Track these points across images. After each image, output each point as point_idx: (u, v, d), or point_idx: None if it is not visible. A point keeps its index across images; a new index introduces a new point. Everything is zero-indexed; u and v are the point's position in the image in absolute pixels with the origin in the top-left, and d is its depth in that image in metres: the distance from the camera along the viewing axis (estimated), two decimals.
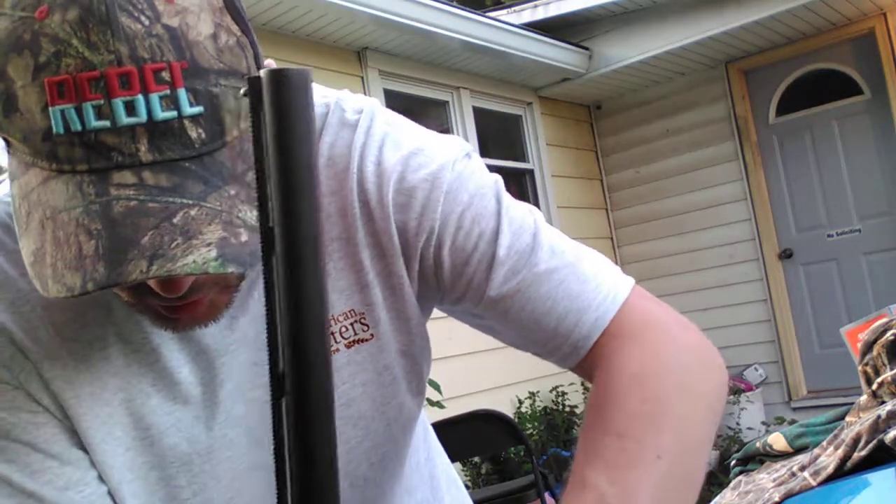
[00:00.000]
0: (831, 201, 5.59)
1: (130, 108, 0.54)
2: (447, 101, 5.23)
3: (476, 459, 4.45)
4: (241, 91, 0.55)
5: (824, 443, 1.54)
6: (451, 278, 0.75)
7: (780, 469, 1.61)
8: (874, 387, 1.58)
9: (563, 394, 4.90)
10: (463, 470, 4.45)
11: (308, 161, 0.32)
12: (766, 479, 1.61)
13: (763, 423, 5.30)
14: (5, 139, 0.59)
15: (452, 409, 3.42)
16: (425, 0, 4.50)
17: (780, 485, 1.52)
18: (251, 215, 0.57)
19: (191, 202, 0.55)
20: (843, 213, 5.56)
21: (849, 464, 1.41)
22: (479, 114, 5.40)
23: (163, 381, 0.73)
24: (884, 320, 1.66)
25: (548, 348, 0.77)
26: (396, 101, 4.82)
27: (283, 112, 0.31)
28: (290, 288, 0.31)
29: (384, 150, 0.73)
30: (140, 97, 0.54)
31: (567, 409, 4.88)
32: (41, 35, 0.54)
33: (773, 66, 5.72)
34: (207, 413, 0.74)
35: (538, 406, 4.80)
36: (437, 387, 3.59)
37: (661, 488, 0.64)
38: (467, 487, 4.31)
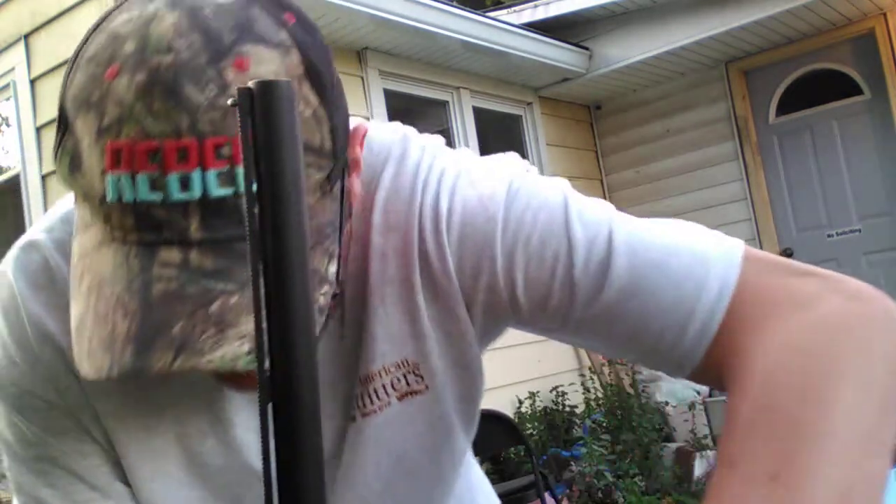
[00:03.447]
0: (831, 201, 5.59)
1: (185, 184, 0.51)
2: (447, 101, 5.23)
3: (476, 459, 4.44)
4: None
5: None
6: (531, 312, 0.69)
7: None
8: None
9: (564, 394, 4.89)
10: None
11: (294, 169, 0.32)
12: None
13: None
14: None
15: None
16: (425, 0, 4.50)
17: None
18: None
19: (233, 289, 0.52)
20: (843, 213, 5.55)
21: None
22: (479, 114, 5.39)
23: (220, 424, 0.70)
24: None
25: (649, 363, 0.69)
26: (396, 101, 4.82)
27: (270, 122, 0.32)
28: (277, 294, 0.32)
29: (443, 186, 0.69)
30: (196, 173, 0.51)
31: (567, 409, 4.87)
32: (108, 96, 0.52)
33: (773, 66, 5.72)
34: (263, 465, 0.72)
35: (538, 406, 4.79)
36: None
37: (843, 471, 0.53)
38: None
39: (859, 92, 5.48)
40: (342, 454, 0.73)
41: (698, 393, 5.31)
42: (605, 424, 4.79)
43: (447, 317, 0.70)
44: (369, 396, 0.71)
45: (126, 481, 0.71)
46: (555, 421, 4.77)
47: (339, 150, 0.57)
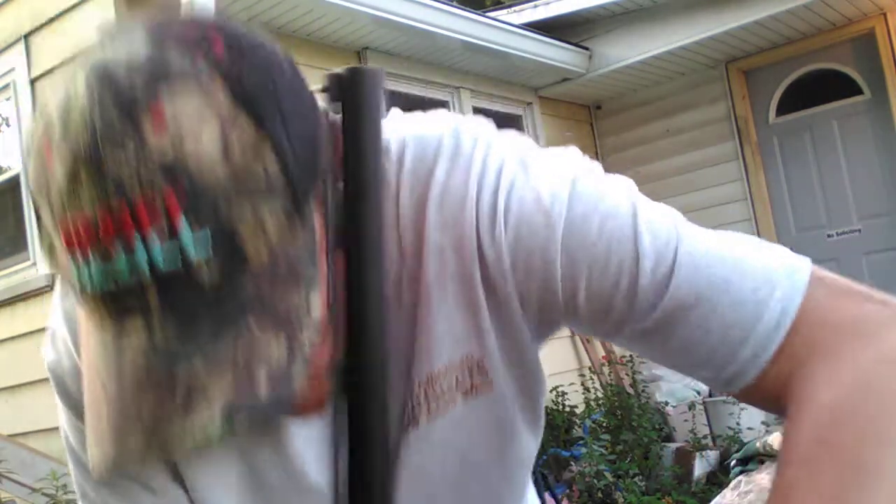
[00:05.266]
0: (831, 201, 5.59)
1: (129, 251, 0.51)
2: (447, 101, 5.23)
3: None
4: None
5: None
6: (589, 319, 0.67)
7: None
8: None
9: (564, 394, 4.89)
10: None
11: (374, 162, 0.32)
12: (766, 479, 1.61)
13: (763, 423, 5.29)
14: None
15: None
16: (425, 0, 4.50)
17: None
18: (277, 348, 0.53)
19: (195, 351, 0.53)
20: (843, 213, 5.55)
21: None
22: (479, 114, 5.36)
23: (278, 435, 0.71)
24: None
25: (700, 377, 0.68)
26: (396, 101, 4.79)
27: (352, 111, 0.31)
28: (351, 283, 0.31)
29: (501, 182, 0.66)
30: (136, 239, 0.51)
31: (567, 409, 4.87)
32: (51, 182, 0.53)
33: (773, 66, 5.72)
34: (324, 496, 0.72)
35: None
36: None
37: None
38: None
39: (859, 92, 5.49)
40: (405, 458, 0.72)
41: (698, 393, 5.31)
42: (605, 424, 4.79)
43: (503, 315, 0.68)
44: (434, 397, 0.70)
45: (182, 484, 0.73)
46: (555, 421, 4.76)
47: (302, 172, 0.55)
